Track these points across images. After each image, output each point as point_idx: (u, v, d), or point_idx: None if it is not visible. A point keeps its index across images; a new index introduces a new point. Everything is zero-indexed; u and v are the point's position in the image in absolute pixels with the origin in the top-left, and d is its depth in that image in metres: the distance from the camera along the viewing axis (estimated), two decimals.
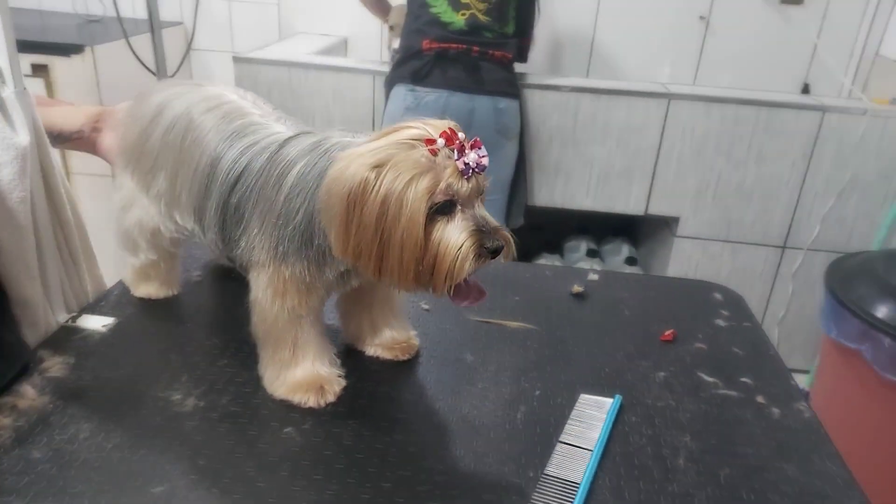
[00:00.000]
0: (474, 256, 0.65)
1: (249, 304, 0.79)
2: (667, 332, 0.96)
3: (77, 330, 0.89)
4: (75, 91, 2.33)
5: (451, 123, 0.66)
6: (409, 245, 0.64)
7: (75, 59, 2.28)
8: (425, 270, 0.66)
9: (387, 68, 2.20)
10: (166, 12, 2.82)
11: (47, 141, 0.85)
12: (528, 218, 2.33)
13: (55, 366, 0.81)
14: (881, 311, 1.52)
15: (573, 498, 0.66)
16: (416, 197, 0.63)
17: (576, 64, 2.78)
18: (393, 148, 0.64)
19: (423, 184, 0.63)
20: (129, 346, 0.87)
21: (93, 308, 0.94)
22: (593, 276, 1.13)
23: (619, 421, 0.78)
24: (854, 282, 1.64)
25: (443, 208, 0.64)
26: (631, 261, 2.66)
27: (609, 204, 2.37)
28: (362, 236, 0.65)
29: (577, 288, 1.08)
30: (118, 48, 2.37)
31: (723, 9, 2.61)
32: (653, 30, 2.66)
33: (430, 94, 1.93)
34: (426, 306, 1.00)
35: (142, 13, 2.63)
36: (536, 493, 0.67)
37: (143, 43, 2.44)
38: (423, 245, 0.64)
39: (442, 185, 0.63)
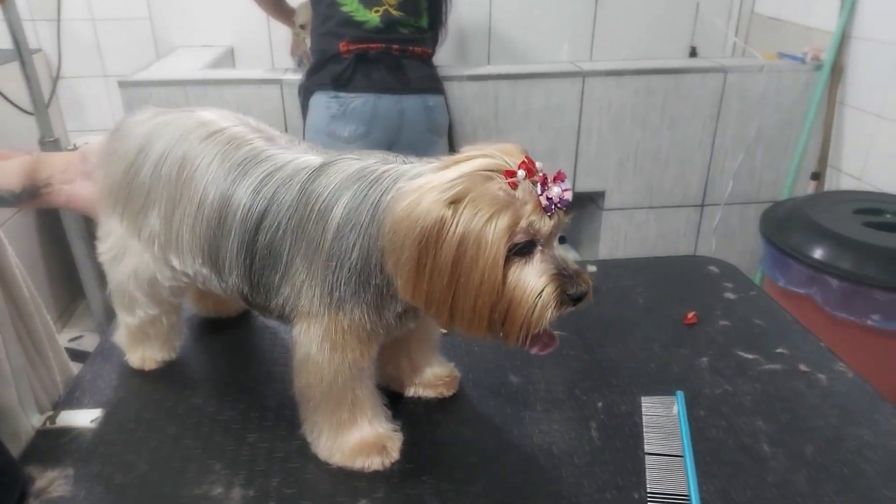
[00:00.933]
0: (556, 304, 0.58)
1: (296, 364, 0.68)
2: (689, 315, 0.96)
3: (62, 432, 0.74)
4: None
5: (521, 149, 0.59)
6: (486, 290, 0.57)
7: None
8: (499, 317, 0.59)
9: (293, 76, 2.07)
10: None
11: None
12: None
13: (53, 483, 0.67)
14: (821, 254, 1.62)
15: None
16: (496, 237, 0.55)
17: (475, 52, 2.76)
18: (469, 180, 0.56)
19: (504, 222, 0.56)
20: (132, 438, 0.74)
21: (70, 402, 0.79)
22: (592, 268, 1.11)
23: (690, 418, 0.76)
24: (790, 229, 1.73)
25: (521, 249, 0.58)
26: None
27: None
28: (436, 281, 0.57)
29: None
30: None
31: None
32: (546, 11, 2.69)
33: (356, 100, 1.82)
34: (443, 329, 0.93)
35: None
36: None
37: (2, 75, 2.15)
38: (500, 290, 0.57)
39: (523, 223, 0.56)
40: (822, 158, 2.27)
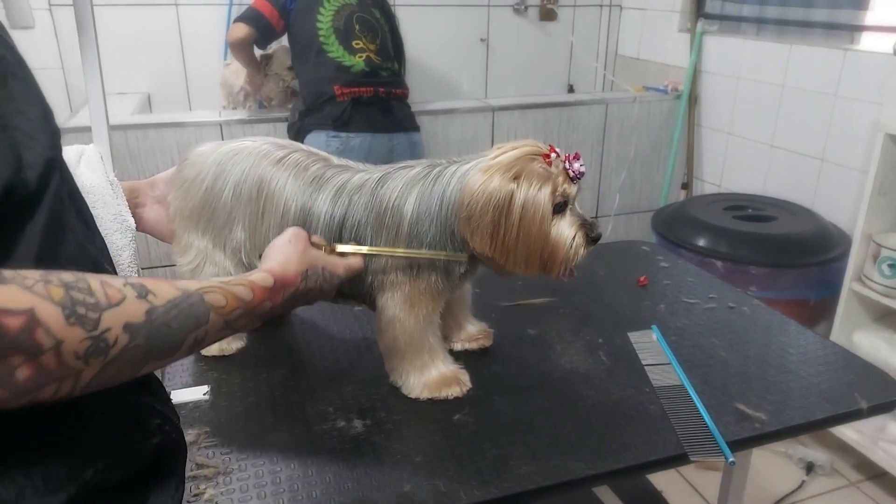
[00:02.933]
0: (584, 244, 0.83)
1: (382, 326, 0.87)
2: (641, 279, 1.25)
3: (180, 406, 0.87)
4: None
5: (532, 142, 0.84)
6: (539, 238, 0.81)
7: None
8: (546, 258, 0.83)
9: (229, 117, 2.22)
10: None
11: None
12: None
13: (199, 437, 0.81)
14: (704, 243, 2.01)
15: (688, 395, 0.89)
16: (545, 200, 0.80)
17: None
18: (521, 161, 0.80)
19: (548, 189, 0.80)
20: (246, 402, 0.89)
21: (172, 384, 0.92)
22: None
23: (666, 342, 1.03)
24: (677, 225, 2.12)
25: (559, 208, 0.82)
26: None
27: None
28: (508, 235, 0.80)
29: None
30: None
31: (498, 30, 3.06)
32: (446, 54, 3.02)
33: (355, 138, 2.02)
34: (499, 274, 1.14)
35: None
36: (663, 400, 0.89)
37: None
38: (547, 238, 0.81)
39: (559, 189, 0.81)
40: (689, 170, 2.74)
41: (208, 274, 0.91)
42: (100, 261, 0.55)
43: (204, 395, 0.89)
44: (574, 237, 0.82)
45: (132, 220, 0.77)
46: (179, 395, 0.89)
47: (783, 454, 1.85)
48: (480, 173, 0.80)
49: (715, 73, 2.60)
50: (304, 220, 0.86)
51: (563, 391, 0.91)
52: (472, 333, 1.02)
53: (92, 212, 0.72)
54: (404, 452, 0.79)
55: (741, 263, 1.94)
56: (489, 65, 3.13)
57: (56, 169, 0.49)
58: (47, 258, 0.45)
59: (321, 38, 2.05)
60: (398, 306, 0.86)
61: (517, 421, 0.84)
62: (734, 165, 2.57)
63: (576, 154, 0.84)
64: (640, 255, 1.39)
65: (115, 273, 0.60)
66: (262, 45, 2.19)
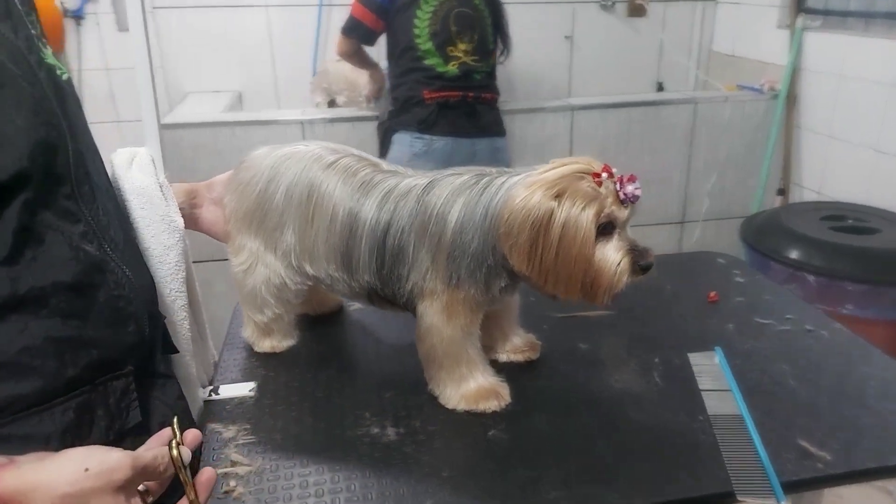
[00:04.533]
0: (630, 272, 0.78)
1: (421, 333, 0.86)
2: (712, 294, 1.17)
3: (226, 401, 0.90)
4: None
5: (595, 161, 0.80)
6: (580, 261, 0.76)
7: None
8: (589, 282, 0.78)
9: (313, 116, 2.28)
10: None
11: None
12: None
13: (238, 434, 0.83)
14: (796, 254, 1.87)
15: (745, 427, 0.82)
16: (588, 221, 0.75)
17: None
18: (567, 180, 0.76)
19: (592, 210, 0.75)
20: (289, 401, 0.90)
21: (223, 378, 0.95)
22: None
23: (729, 366, 0.96)
24: (768, 235, 1.99)
25: (605, 231, 0.77)
26: None
27: None
28: (546, 254, 0.76)
29: None
30: None
31: (583, 27, 2.98)
32: (528, 51, 2.96)
33: (438, 141, 2.05)
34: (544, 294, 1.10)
35: None
36: (717, 431, 0.82)
37: None
38: (590, 261, 0.77)
39: (606, 211, 0.76)
40: (786, 176, 2.56)
41: (260, 274, 0.93)
42: (106, 262, 0.57)
43: (250, 391, 0.92)
44: (620, 262, 0.77)
45: (181, 221, 0.79)
46: (226, 391, 0.92)
47: (882, 489, 1.69)
48: (524, 188, 0.77)
49: (816, 71, 2.41)
50: (351, 225, 0.86)
51: (608, 413, 0.87)
52: (518, 345, 0.98)
53: (140, 212, 0.76)
54: (433, 465, 0.77)
55: (836, 279, 1.79)
56: (573, 63, 3.06)
57: (31, 175, 0.52)
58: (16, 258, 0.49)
59: (418, 43, 2.06)
60: (436, 315, 0.84)
61: (554, 441, 0.81)
62: (836, 171, 2.37)
63: (630, 176, 0.79)
64: (713, 269, 1.30)
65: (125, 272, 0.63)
66: (371, 44, 2.21)
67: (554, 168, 0.78)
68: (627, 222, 0.80)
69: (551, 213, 0.74)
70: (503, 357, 0.98)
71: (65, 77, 0.66)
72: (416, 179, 0.87)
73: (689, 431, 0.82)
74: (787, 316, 1.10)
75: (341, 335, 1.08)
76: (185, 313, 0.81)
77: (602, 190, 0.77)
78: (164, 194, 0.78)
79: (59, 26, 1.79)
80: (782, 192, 2.58)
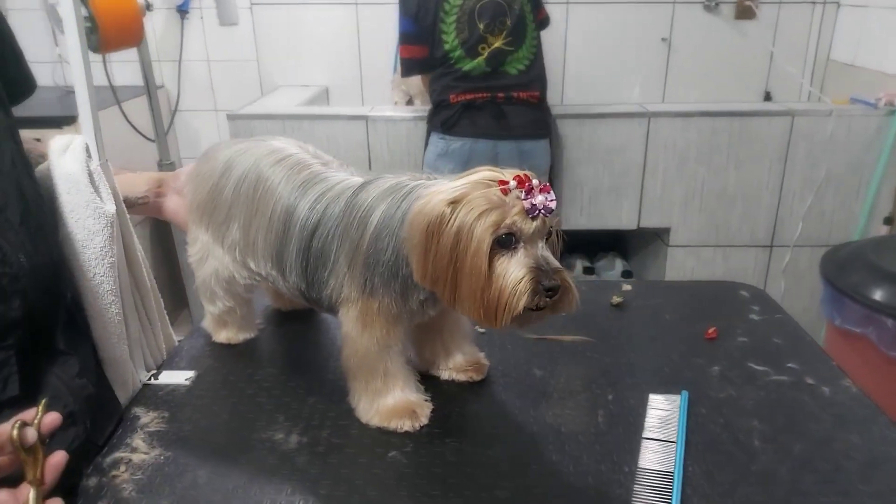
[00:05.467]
0: (530, 292, 0.69)
1: (341, 340, 0.83)
2: (710, 330, 1.04)
3: (161, 386, 0.92)
4: None
5: (528, 174, 0.73)
6: (475, 274, 0.69)
7: (68, 131, 2.31)
8: (489, 301, 0.71)
9: (377, 113, 2.30)
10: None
11: (124, 208, 0.89)
12: None
13: (153, 420, 0.85)
14: (879, 295, 1.63)
15: (671, 486, 0.72)
16: (483, 229, 0.68)
17: (550, 91, 2.90)
18: (469, 186, 0.70)
19: (491, 218, 0.68)
20: (217, 394, 0.91)
21: (170, 364, 0.98)
22: (627, 287, 1.20)
23: (691, 414, 0.85)
24: (850, 270, 1.75)
25: (507, 244, 0.70)
26: (627, 274, 2.76)
27: (602, 222, 2.46)
28: (438, 264, 0.70)
29: (616, 299, 1.15)
30: (112, 115, 2.40)
31: (682, 29, 2.77)
32: (619, 54, 2.81)
33: (456, 142, 2.05)
34: (481, 329, 1.05)
35: (122, 81, 2.67)
36: (637, 486, 0.73)
37: (130, 109, 2.49)
38: (487, 276, 0.69)
39: (507, 220, 0.69)
40: None
41: (210, 267, 0.95)
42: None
43: (186, 380, 0.93)
44: (520, 281, 0.69)
45: (109, 207, 0.82)
46: (165, 377, 0.94)
47: None
48: (426, 195, 0.72)
49: None
50: (286, 223, 0.85)
51: (527, 450, 0.79)
52: (461, 363, 0.93)
53: (66, 197, 0.79)
54: (315, 480, 0.74)
55: None
56: (669, 67, 2.87)
57: None
58: None
59: (448, 51, 2.05)
60: (351, 324, 0.81)
61: (452, 474, 0.75)
62: None
63: (544, 186, 0.71)
64: (729, 301, 1.16)
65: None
66: (432, 69, 2.16)
67: (465, 176, 0.73)
68: (539, 238, 0.72)
69: (443, 217, 0.69)
70: (444, 375, 0.93)
71: None
72: (353, 180, 0.84)
73: (605, 482, 0.73)
74: (789, 365, 0.95)
75: (304, 333, 1.08)
76: (113, 297, 0.83)
77: (508, 199, 0.70)
78: (92, 181, 0.81)
79: (138, 20, 1.92)
80: (890, 220, 2.26)
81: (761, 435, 0.81)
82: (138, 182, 0.98)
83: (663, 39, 2.81)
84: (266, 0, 2.84)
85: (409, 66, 2.15)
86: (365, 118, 2.33)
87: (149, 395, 0.90)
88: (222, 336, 1.02)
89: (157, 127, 2.18)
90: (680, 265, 2.52)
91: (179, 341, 1.04)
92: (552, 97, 2.86)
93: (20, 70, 0.85)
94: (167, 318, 1.02)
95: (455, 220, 0.68)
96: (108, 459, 0.77)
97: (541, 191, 0.71)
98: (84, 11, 1.85)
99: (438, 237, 0.69)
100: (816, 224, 2.39)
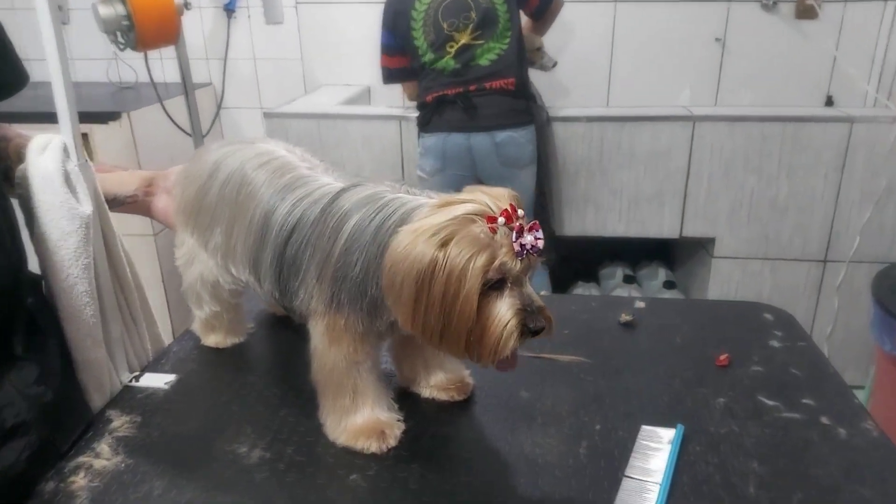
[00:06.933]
0: (518, 334, 0.66)
1: (310, 353, 0.80)
2: (721, 357, 0.96)
3: (140, 389, 0.91)
4: (114, 155, 2.43)
5: (511, 195, 0.68)
6: (464, 317, 0.65)
7: (113, 126, 2.38)
8: (474, 341, 0.67)
9: (411, 113, 2.27)
10: (196, 74, 2.93)
11: (107, 208, 0.89)
12: (560, 248, 2.34)
13: (123, 425, 0.84)
14: None
15: None
16: (474, 273, 0.64)
17: (595, 92, 2.81)
18: (456, 223, 0.65)
19: (481, 261, 0.64)
20: (192, 400, 0.89)
21: (154, 366, 0.97)
22: (640, 304, 1.13)
23: (683, 451, 0.78)
24: None
25: (494, 284, 0.66)
26: (669, 284, 2.64)
27: (642, 229, 2.36)
28: (429, 313, 0.66)
29: (625, 317, 1.08)
30: (152, 112, 2.46)
31: (738, 29, 2.63)
32: (669, 54, 2.69)
33: (430, 138, 2.08)
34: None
35: (171, 77, 2.74)
36: None
37: (175, 105, 2.54)
38: (474, 318, 0.65)
39: (497, 262, 0.64)
40: None
41: (195, 270, 0.93)
42: None
43: (165, 384, 0.92)
44: (507, 323, 0.65)
45: (85, 208, 0.81)
46: (146, 380, 0.93)
47: None
48: (408, 234, 0.66)
49: None
50: (264, 228, 0.82)
51: (496, 480, 0.74)
52: (443, 382, 0.88)
53: (42, 196, 0.78)
54: (267, 499, 0.71)
55: None
56: (723, 68, 2.73)
57: None
58: None
59: (423, 59, 2.07)
60: (319, 338, 0.78)
61: (411, 502, 0.71)
62: None
63: (533, 224, 0.66)
64: (750, 324, 1.07)
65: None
66: (413, 79, 2.21)
67: (449, 204, 0.67)
68: (525, 275, 0.67)
69: (435, 264, 0.64)
70: (425, 392, 0.89)
71: None
72: (333, 185, 0.80)
73: None
74: (805, 400, 0.86)
75: (294, 339, 1.04)
76: (88, 299, 0.82)
77: (497, 237, 0.65)
78: (69, 181, 0.80)
79: (175, 19, 1.95)
80: None
81: (758, 479, 0.73)
82: (129, 180, 0.98)
83: (717, 39, 2.67)
84: None
85: (387, 75, 2.24)
86: (399, 118, 2.30)
87: (127, 398, 0.89)
88: (210, 340, 1.01)
89: (193, 124, 2.22)
90: (725, 278, 2.39)
91: (169, 343, 1.04)
92: (595, 98, 2.78)
93: (7, 63, 0.83)
94: (155, 318, 1.01)
95: (446, 264, 0.64)
96: (71, 464, 0.77)
97: (529, 229, 0.66)
98: (122, 10, 1.89)
99: (431, 286, 0.64)
100: (875, 239, 2.22)
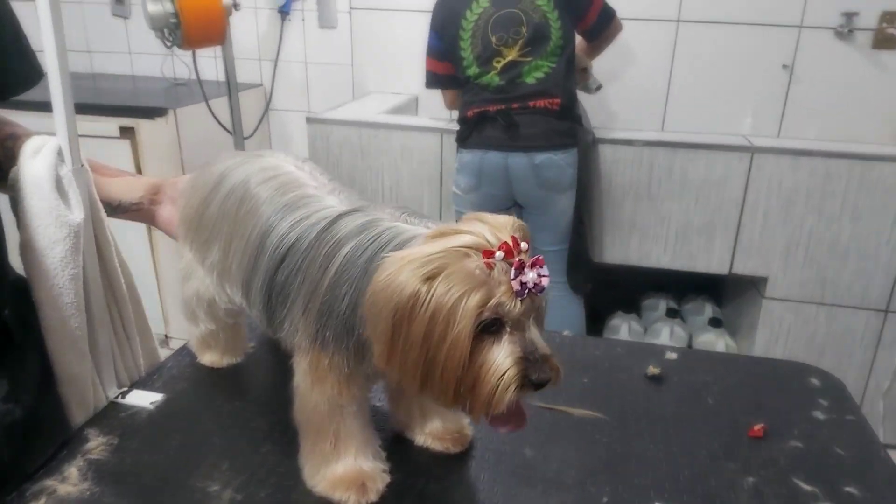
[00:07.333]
0: (516, 387, 0.58)
1: (292, 391, 0.74)
2: (756, 427, 0.85)
3: (125, 407, 0.87)
4: (159, 152, 2.45)
5: (517, 225, 0.60)
6: (452, 364, 0.58)
7: (159, 122, 2.40)
8: (465, 392, 0.59)
9: (453, 127, 2.21)
10: (248, 75, 2.95)
11: (103, 216, 0.85)
12: (601, 275, 2.23)
13: (99, 447, 0.79)
14: None
15: None
16: (465, 314, 0.56)
17: (650, 116, 2.69)
18: (447, 256, 0.58)
19: (474, 301, 0.57)
20: (174, 426, 0.84)
21: (144, 383, 0.92)
22: (671, 355, 1.03)
23: None
24: None
25: (491, 327, 0.58)
26: (715, 322, 2.49)
27: (689, 262, 2.24)
28: (408, 353, 0.59)
29: (653, 369, 0.98)
30: (199, 110, 2.47)
31: (808, 56, 2.47)
32: (732, 79, 2.55)
33: (467, 155, 2.00)
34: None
35: (224, 76, 2.76)
36: None
37: (223, 104, 2.55)
38: (466, 365, 0.58)
39: (492, 302, 0.57)
40: None
41: (192, 286, 0.89)
42: None
43: (150, 404, 0.87)
44: (505, 373, 0.58)
45: (75, 215, 0.77)
46: (132, 397, 0.89)
47: None
48: (393, 262, 0.59)
49: None
50: (258, 250, 0.76)
51: None
52: (439, 430, 0.80)
53: (31, 201, 0.75)
54: None
55: None
56: (789, 97, 2.57)
57: None
58: None
59: (468, 72, 1.99)
60: (301, 375, 0.71)
61: None
62: None
63: (536, 259, 0.58)
64: (793, 388, 0.96)
65: None
66: (459, 87, 2.13)
67: (444, 235, 0.60)
68: (528, 317, 0.59)
69: (416, 298, 0.57)
70: (419, 440, 0.81)
71: None
72: (335, 209, 0.74)
73: None
74: (848, 489, 0.75)
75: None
76: (73, 310, 0.79)
77: (494, 273, 0.57)
78: (60, 187, 0.76)
79: (222, 19, 1.94)
80: None
81: None
82: (135, 186, 0.94)
83: (784, 66, 2.52)
84: (365, 5, 2.83)
85: (430, 79, 2.16)
86: (441, 131, 2.24)
87: (109, 417, 0.85)
88: (206, 358, 0.96)
89: (235, 124, 2.21)
90: (776, 321, 2.24)
91: (165, 358, 0.99)
92: (650, 122, 2.66)
93: (23, 59, 0.80)
94: (151, 332, 0.97)
95: (430, 300, 0.56)
96: (35, 487, 0.72)
97: (532, 265, 0.58)
98: (170, 7, 1.89)
99: (410, 322, 0.57)
100: None
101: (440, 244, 0.59)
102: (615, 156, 2.14)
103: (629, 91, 2.63)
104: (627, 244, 2.26)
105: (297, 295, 0.71)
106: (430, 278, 0.57)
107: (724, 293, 2.67)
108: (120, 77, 3.08)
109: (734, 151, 2.07)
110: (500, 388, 0.58)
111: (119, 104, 2.46)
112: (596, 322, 2.54)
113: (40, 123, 0.82)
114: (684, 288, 2.70)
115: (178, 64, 3.00)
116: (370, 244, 0.66)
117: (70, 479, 0.74)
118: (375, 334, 0.61)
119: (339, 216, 0.71)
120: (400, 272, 0.58)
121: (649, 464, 0.79)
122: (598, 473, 0.77)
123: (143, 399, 0.88)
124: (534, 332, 0.59)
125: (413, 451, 0.80)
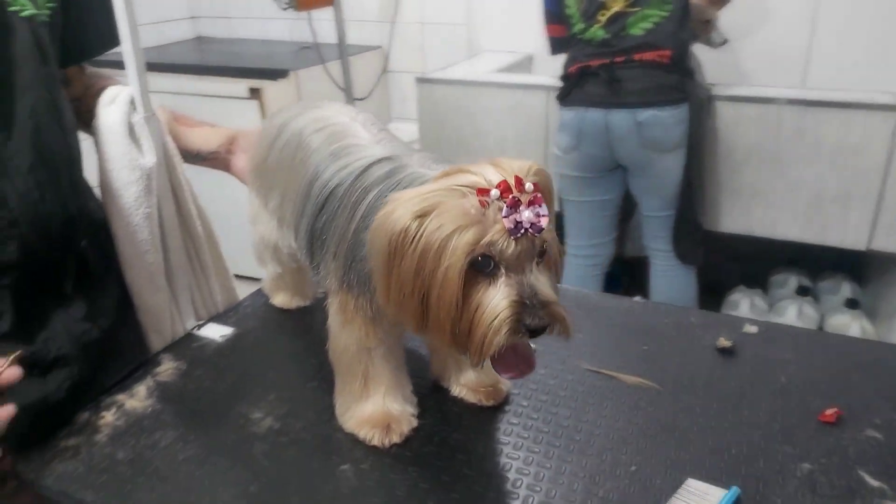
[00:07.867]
0: (508, 331, 0.56)
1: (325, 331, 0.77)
2: (829, 412, 0.77)
3: (198, 338, 0.95)
4: None
5: (533, 169, 0.58)
6: (445, 302, 0.57)
7: (282, 83, 2.53)
8: (461, 334, 0.58)
9: (559, 84, 2.13)
10: (368, 36, 3.02)
11: (177, 161, 0.92)
12: (722, 246, 2.08)
13: (168, 371, 0.87)
14: None
15: None
16: (455, 251, 0.56)
17: (790, 71, 2.43)
18: (442, 194, 0.57)
19: (465, 238, 0.56)
20: (238, 357, 0.91)
21: (220, 318, 1.00)
22: (750, 328, 0.95)
23: None
24: None
25: (484, 268, 0.57)
26: (852, 303, 2.24)
27: (820, 235, 2.02)
28: (402, 289, 0.59)
29: (724, 341, 0.91)
30: (318, 72, 2.57)
31: None
32: (889, 31, 2.23)
33: (567, 113, 1.92)
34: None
35: (349, 39, 2.83)
36: None
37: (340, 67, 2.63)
38: (460, 305, 0.57)
39: (485, 240, 0.55)
40: None
41: (259, 230, 0.94)
42: None
43: (221, 336, 0.95)
44: (497, 316, 0.56)
45: (147, 160, 0.84)
46: (207, 330, 0.97)
47: None
48: (393, 201, 0.59)
49: None
50: (306, 197, 0.80)
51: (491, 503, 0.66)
52: (473, 382, 0.80)
53: (106, 147, 0.83)
54: (254, 473, 0.70)
55: None
56: None
57: None
58: None
59: (573, 25, 1.88)
60: (333, 316, 0.74)
61: None
62: None
63: (534, 199, 0.56)
64: (883, 374, 0.84)
65: None
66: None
67: (446, 175, 0.60)
68: (527, 261, 0.57)
69: (405, 233, 0.57)
70: (454, 390, 0.82)
71: (26, 14, 0.73)
72: (372, 155, 0.74)
73: None
74: None
75: None
76: (148, 247, 0.86)
77: (488, 212, 0.56)
78: (132, 133, 0.83)
79: None
80: None
81: None
82: (213, 137, 1.01)
83: None
84: None
85: (553, 45, 2.06)
86: (546, 88, 2.17)
87: (182, 345, 0.93)
88: (277, 300, 1.02)
89: (346, 84, 2.28)
90: None
91: (243, 297, 1.07)
92: (790, 77, 2.41)
93: (109, 20, 0.86)
94: (229, 271, 1.04)
95: (420, 237, 0.56)
96: (108, 400, 0.82)
97: (529, 204, 0.56)
98: None
99: (402, 256, 0.58)
100: None
101: (440, 184, 0.58)
102: (735, 114, 1.96)
103: (761, 44, 2.39)
104: (749, 213, 2.08)
105: (330, 240, 0.73)
106: (422, 215, 0.57)
107: (865, 272, 2.39)
108: (253, 42, 3.27)
109: (876, 111, 1.83)
110: (491, 330, 0.56)
111: (248, 66, 2.62)
112: (713, 296, 2.38)
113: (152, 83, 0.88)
114: (820, 264, 2.45)
115: (305, 28, 3.13)
116: (391, 192, 0.66)
117: (137, 396, 0.82)
118: (374, 268, 0.62)
119: (371, 164, 0.72)
120: (396, 209, 0.58)
121: (691, 439, 0.74)
122: (633, 442, 0.74)
123: (216, 332, 0.96)
124: (537, 278, 0.57)
125: (447, 401, 0.81)
